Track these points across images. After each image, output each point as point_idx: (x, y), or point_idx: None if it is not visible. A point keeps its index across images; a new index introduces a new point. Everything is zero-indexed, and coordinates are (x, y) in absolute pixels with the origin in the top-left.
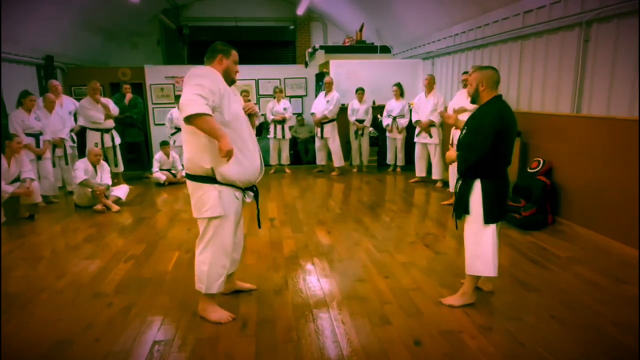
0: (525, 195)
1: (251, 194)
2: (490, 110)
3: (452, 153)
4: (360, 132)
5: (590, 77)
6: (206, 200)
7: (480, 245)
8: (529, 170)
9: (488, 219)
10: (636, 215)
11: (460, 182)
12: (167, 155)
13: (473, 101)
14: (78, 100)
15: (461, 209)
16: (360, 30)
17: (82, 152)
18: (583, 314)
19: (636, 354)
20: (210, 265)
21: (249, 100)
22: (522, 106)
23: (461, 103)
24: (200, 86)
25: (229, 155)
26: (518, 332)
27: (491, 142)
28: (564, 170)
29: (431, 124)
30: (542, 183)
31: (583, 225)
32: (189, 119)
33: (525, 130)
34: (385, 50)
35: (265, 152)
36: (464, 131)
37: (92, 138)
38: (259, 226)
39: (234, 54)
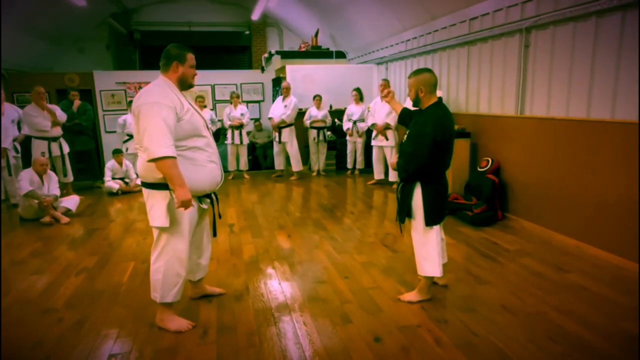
0: (476, 193)
1: (207, 200)
2: (429, 119)
3: (393, 160)
4: (317, 138)
5: (531, 80)
6: (156, 209)
7: (426, 247)
8: (479, 170)
9: (429, 222)
10: (577, 209)
11: (401, 185)
12: (120, 163)
13: (415, 105)
14: (21, 108)
15: (404, 213)
16: (316, 35)
17: (27, 162)
18: (529, 302)
19: (573, 335)
20: (165, 273)
21: (204, 107)
22: (471, 108)
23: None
24: (164, 121)
25: (184, 205)
26: (472, 322)
27: (429, 152)
28: (510, 169)
29: (387, 127)
30: (491, 181)
31: (529, 219)
32: (154, 161)
33: (475, 131)
34: (340, 55)
35: (223, 158)
36: (405, 137)
37: (38, 147)
38: (214, 234)
39: (190, 57)
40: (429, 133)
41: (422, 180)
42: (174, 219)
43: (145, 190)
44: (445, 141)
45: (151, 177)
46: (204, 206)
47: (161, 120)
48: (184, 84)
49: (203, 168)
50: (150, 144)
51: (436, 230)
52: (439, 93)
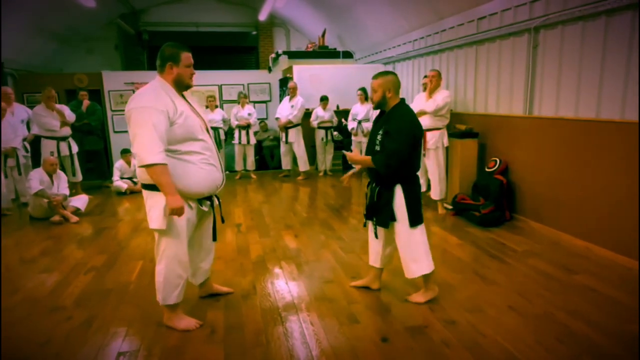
0: (484, 193)
1: (207, 202)
2: (405, 116)
3: (356, 156)
4: (325, 138)
5: (540, 80)
6: (154, 211)
7: (413, 247)
8: (487, 170)
9: (414, 223)
10: (586, 210)
11: (377, 189)
12: (129, 163)
13: (378, 107)
14: (31, 108)
15: (387, 217)
16: (323, 35)
17: (36, 162)
18: (537, 303)
19: (581, 337)
20: (165, 276)
21: (216, 106)
22: (479, 108)
23: (420, 106)
24: (154, 127)
25: (175, 213)
26: (479, 323)
27: (410, 146)
28: (518, 169)
29: None
30: (499, 181)
31: (537, 220)
32: (143, 167)
33: (483, 131)
34: (347, 55)
35: (230, 158)
36: (378, 136)
37: (48, 147)
38: (214, 239)
39: (185, 57)
40: (409, 128)
41: (402, 182)
42: (171, 221)
43: (144, 192)
44: (419, 137)
45: (148, 178)
46: (204, 208)
47: (151, 126)
48: (181, 85)
49: (200, 170)
50: (140, 150)
51: (421, 228)
52: (445, 93)
